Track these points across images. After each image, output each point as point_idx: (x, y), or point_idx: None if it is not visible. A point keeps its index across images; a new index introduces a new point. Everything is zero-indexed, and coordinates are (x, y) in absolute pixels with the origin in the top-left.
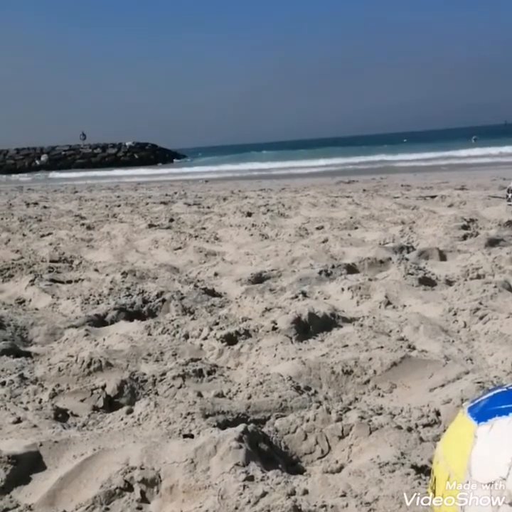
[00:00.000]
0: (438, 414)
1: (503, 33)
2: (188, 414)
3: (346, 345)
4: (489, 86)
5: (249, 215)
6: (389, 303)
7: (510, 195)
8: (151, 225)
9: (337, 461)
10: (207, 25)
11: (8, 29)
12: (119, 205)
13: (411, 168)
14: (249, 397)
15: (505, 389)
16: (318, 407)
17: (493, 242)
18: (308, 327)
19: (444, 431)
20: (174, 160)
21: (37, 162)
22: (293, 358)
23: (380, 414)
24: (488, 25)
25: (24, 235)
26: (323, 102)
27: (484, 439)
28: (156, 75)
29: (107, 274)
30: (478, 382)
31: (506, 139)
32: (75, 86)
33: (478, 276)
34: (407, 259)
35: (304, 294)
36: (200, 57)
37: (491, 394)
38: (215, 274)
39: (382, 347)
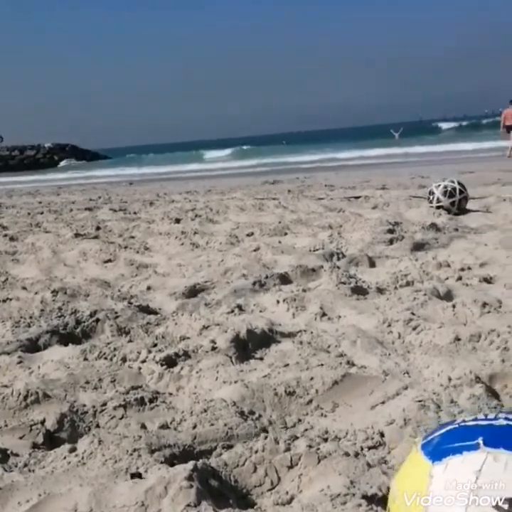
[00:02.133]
0: (382, 435)
1: (415, 33)
2: (134, 450)
3: (287, 365)
4: (405, 85)
5: (177, 221)
6: (324, 314)
7: (431, 197)
8: (77, 235)
9: (287, 492)
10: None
11: None
12: (41, 213)
13: (333, 167)
14: (194, 427)
15: (456, 425)
16: (266, 438)
17: (418, 247)
18: (247, 344)
19: (389, 453)
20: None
21: None
22: (235, 381)
23: (326, 439)
24: (402, 24)
25: None
26: (234, 100)
27: (440, 479)
28: (77, 74)
29: (36, 293)
30: (419, 401)
31: (422, 136)
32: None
33: (408, 283)
34: (338, 267)
35: (240, 308)
36: (120, 57)
37: (443, 430)
38: (148, 288)
39: (322, 364)
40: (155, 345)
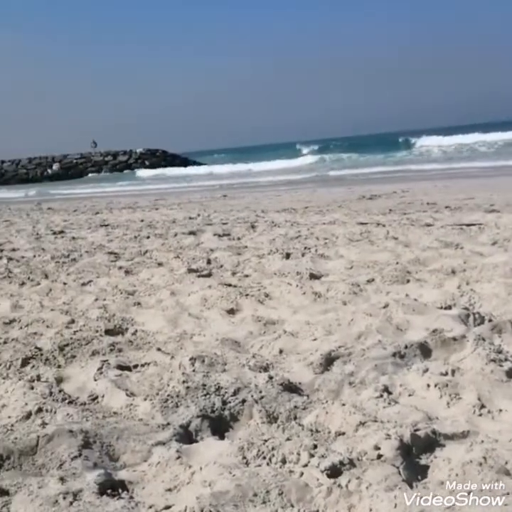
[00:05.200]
0: None
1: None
2: None
3: (470, 492)
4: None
5: (287, 256)
6: (483, 406)
7: None
8: (190, 270)
9: None
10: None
11: (18, 41)
12: (148, 237)
13: (426, 176)
14: None
15: None
16: None
17: None
18: (411, 449)
19: None
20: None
21: (49, 171)
22: None
23: None
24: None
25: (64, 283)
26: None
27: None
28: (161, 83)
29: (172, 357)
30: None
31: None
32: (85, 95)
33: None
34: (483, 339)
35: (387, 391)
36: (207, 65)
37: None
38: (280, 352)
39: (508, 493)
40: (315, 446)
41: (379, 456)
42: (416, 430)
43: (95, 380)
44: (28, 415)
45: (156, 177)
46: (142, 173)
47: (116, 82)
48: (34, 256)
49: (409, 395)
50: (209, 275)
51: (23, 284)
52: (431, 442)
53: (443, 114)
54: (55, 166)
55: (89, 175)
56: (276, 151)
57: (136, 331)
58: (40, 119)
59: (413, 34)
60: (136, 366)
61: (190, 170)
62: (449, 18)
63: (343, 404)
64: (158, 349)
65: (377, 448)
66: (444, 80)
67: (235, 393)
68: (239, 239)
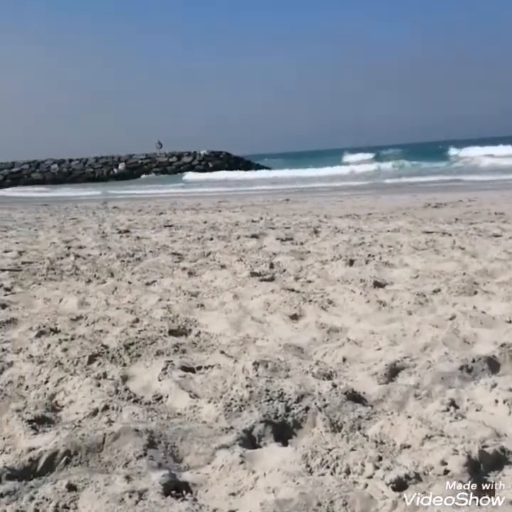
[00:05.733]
0: None
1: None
2: None
3: None
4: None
5: (351, 263)
6: None
7: None
8: (253, 273)
9: None
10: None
11: (86, 42)
12: (211, 239)
13: (492, 185)
14: None
15: None
16: None
17: None
18: (479, 466)
19: None
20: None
21: (115, 170)
22: None
23: None
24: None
25: (129, 282)
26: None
27: None
28: (230, 87)
29: (236, 361)
30: None
31: None
32: (151, 96)
33: None
34: None
35: (455, 405)
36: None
37: None
38: (344, 360)
39: None
40: (380, 458)
41: (446, 472)
42: (484, 447)
43: (160, 380)
44: (95, 412)
45: (208, 180)
46: (189, 176)
47: (180, 84)
48: (100, 254)
49: (477, 410)
50: (272, 279)
51: (89, 281)
52: (499, 460)
53: (490, 123)
54: (121, 166)
55: (142, 176)
56: (328, 157)
57: (200, 332)
58: (107, 120)
59: (438, 41)
60: (199, 368)
61: (250, 174)
62: (481, 25)
63: (409, 417)
64: (222, 352)
65: (444, 463)
66: (483, 90)
67: (298, 400)
68: (302, 244)
